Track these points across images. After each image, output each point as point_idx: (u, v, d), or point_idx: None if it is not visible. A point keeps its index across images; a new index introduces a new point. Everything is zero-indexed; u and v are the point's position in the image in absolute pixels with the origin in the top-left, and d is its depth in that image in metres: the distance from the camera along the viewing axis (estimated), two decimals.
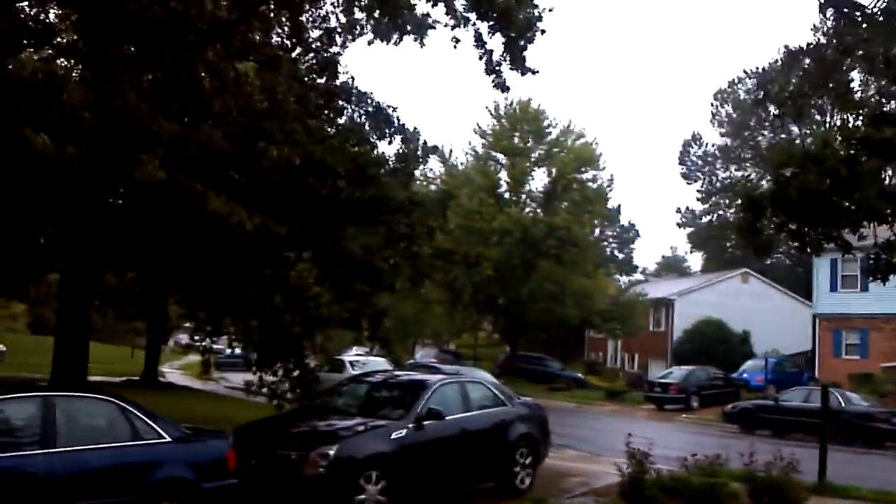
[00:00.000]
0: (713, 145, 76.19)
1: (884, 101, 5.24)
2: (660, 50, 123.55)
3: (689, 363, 42.73)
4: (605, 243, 68.05)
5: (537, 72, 13.67)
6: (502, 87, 13.92)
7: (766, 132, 69.44)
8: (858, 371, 39.00)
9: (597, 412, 36.71)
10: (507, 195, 50.28)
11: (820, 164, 5.19)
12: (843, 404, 27.22)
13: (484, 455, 12.95)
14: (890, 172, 5.48)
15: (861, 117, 5.28)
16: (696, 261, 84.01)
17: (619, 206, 63.94)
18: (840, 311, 42.37)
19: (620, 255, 76.74)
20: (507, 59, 13.48)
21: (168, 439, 9.13)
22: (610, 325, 49.85)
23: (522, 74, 13.57)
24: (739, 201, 5.05)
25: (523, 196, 50.72)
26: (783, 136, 64.09)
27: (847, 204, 5.16)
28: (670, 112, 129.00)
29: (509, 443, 13.38)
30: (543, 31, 13.38)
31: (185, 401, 25.59)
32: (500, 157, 50.56)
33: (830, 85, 5.19)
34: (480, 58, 13.57)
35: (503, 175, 50.68)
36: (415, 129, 19.95)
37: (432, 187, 47.09)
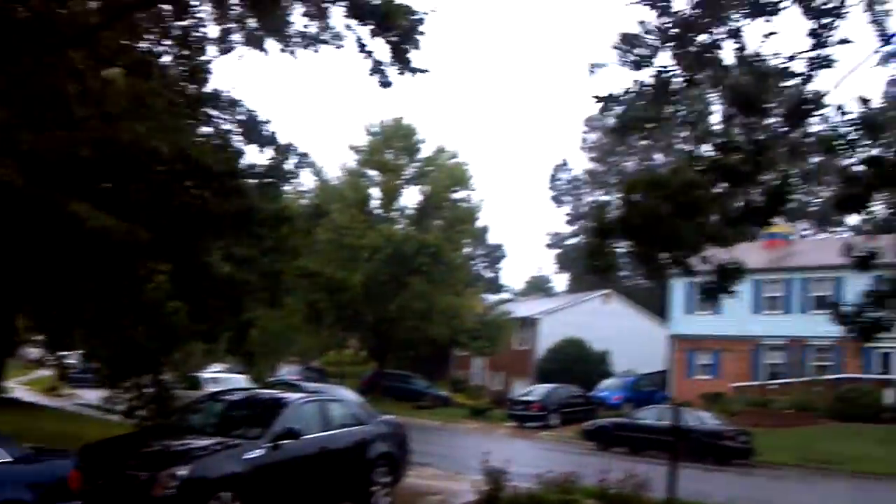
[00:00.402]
0: (583, 170, 78.53)
1: (731, 128, 5.52)
2: (535, 76, 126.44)
3: (551, 381, 43.48)
4: (474, 262, 68.91)
5: (426, 70, 13.61)
6: (386, 83, 13.82)
7: (632, 159, 71.96)
8: (710, 391, 40.74)
9: (460, 430, 36.97)
10: (378, 211, 50.28)
11: (664, 189, 5.39)
12: (693, 423, 28.26)
13: (342, 474, 12.86)
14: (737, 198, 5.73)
15: (711, 144, 5.54)
16: (562, 281, 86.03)
17: (488, 226, 64.95)
18: (694, 333, 44.19)
19: (489, 275, 77.89)
20: (393, 61, 13.46)
21: (7, 459, 8.68)
22: (477, 343, 50.39)
23: (413, 74, 13.53)
24: (589, 224, 5.23)
25: (395, 213, 50.82)
26: (647, 162, 66.54)
27: (688, 228, 5.37)
28: (544, 137, 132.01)
29: (368, 461, 13.33)
30: (423, 33, 13.39)
31: (31, 418, 24.30)
32: (373, 173, 50.54)
33: (677, 112, 5.44)
34: (367, 58, 13.52)
35: (375, 191, 50.67)
36: (289, 143, 19.65)
37: (303, 201, 46.62)
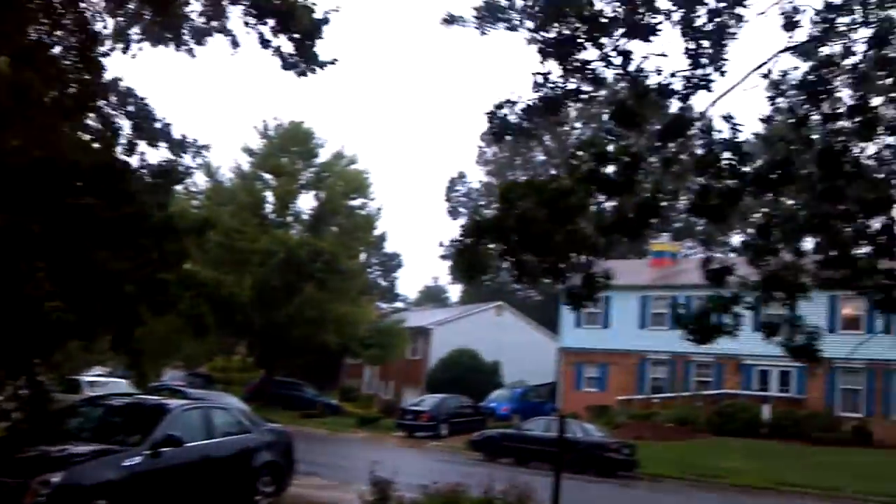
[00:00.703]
0: (480, 183, 79.19)
1: (609, 138, 5.66)
2: (439, 88, 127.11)
3: (442, 392, 43.57)
4: (370, 270, 68.72)
5: (335, 61, 13.37)
6: (303, 72, 13.53)
7: (528, 174, 72.97)
8: (597, 403, 41.62)
9: (349, 439, 36.70)
10: (272, 216, 49.54)
11: (540, 194, 5.44)
12: (580, 434, 28.77)
13: (225, 483, 12.58)
14: (616, 206, 5.84)
15: (589, 154, 5.65)
16: (457, 292, 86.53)
17: (385, 234, 64.81)
18: (582, 346, 45.10)
19: (384, 283, 77.74)
20: (298, 57, 13.21)
21: None
22: (369, 352, 50.16)
23: (322, 67, 13.30)
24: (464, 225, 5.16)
25: (289, 218, 50.18)
26: (543, 176, 67.50)
27: (561, 235, 5.44)
28: (444, 148, 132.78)
29: (252, 470, 13.10)
30: (327, 22, 13.16)
31: None
32: (268, 176, 49.75)
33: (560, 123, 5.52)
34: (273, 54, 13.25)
35: (269, 195, 49.91)
36: (184, 137, 19.01)
37: (195, 202, 45.60)
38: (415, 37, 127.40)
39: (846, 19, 6.45)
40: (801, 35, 6.47)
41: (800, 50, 6.35)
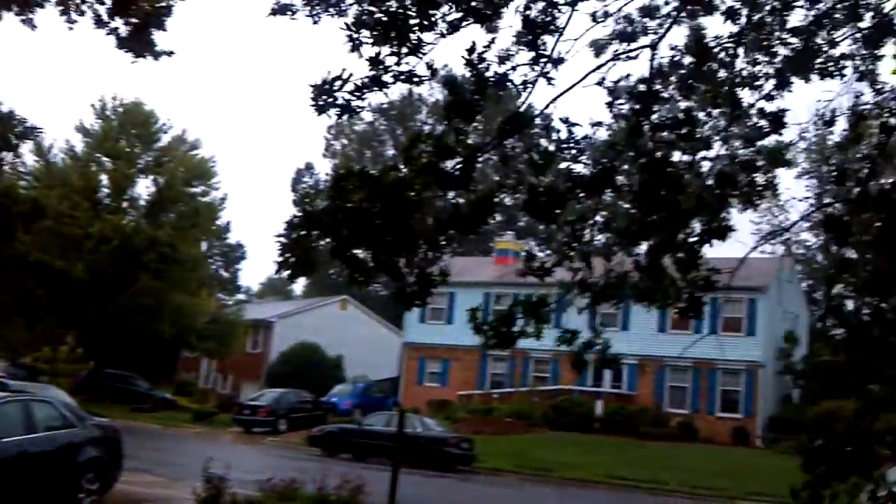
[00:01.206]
0: (327, 175, 78.38)
1: (448, 132, 5.52)
2: (291, 78, 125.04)
3: (283, 386, 42.87)
4: (211, 260, 66.73)
5: (172, 53, 12.77)
6: (139, 58, 12.83)
7: (377, 168, 72.72)
8: (438, 398, 41.97)
9: (183, 435, 35.53)
10: (107, 201, 47.26)
11: (375, 186, 5.22)
12: (420, 429, 28.86)
13: (46, 480, 11.82)
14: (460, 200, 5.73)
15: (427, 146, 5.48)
16: (300, 285, 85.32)
17: (229, 224, 62.85)
18: (425, 341, 45.38)
19: (225, 274, 75.72)
20: (134, 43, 12.53)
21: None
22: (206, 344, 48.71)
23: (157, 58, 12.65)
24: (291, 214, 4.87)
25: (125, 204, 48.02)
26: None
27: (395, 230, 5.24)
28: (293, 139, 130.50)
29: (76, 467, 12.40)
30: (170, 12, 12.55)
31: None
32: (104, 159, 47.39)
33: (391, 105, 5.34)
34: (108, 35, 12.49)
35: (105, 179, 47.58)
36: (11, 112, 17.83)
37: (22, 183, 42.96)
38: (264, 25, 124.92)
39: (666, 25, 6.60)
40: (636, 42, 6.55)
41: (631, 57, 6.44)
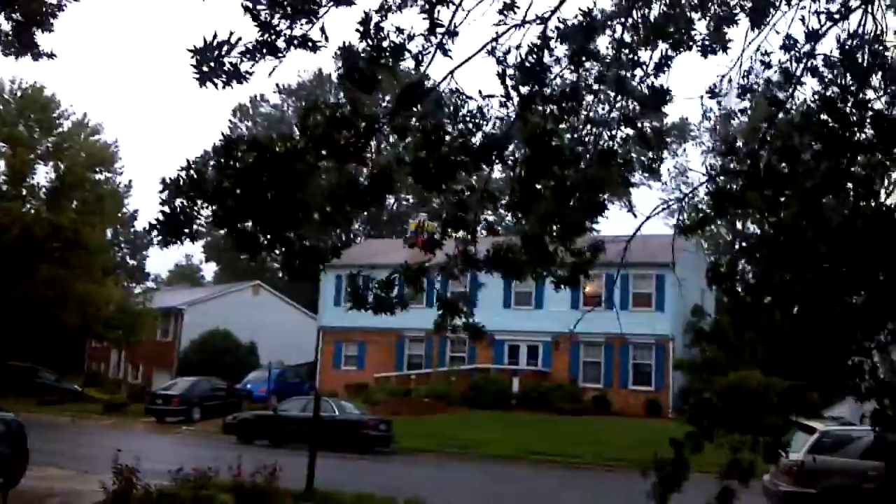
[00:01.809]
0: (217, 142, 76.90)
1: (346, 101, 5.39)
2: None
3: (196, 374, 42.20)
4: (117, 248, 65.08)
5: (54, 56, 12.32)
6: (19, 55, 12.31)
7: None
8: (355, 381, 41.84)
9: (93, 426, 34.68)
10: (5, 188, 45.49)
11: (267, 154, 4.99)
12: (336, 413, 28.76)
13: None
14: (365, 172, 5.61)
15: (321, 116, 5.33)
16: (211, 271, 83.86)
17: (136, 210, 61.24)
18: (341, 325, 45.03)
19: (132, 262, 73.94)
20: (17, 42, 12.03)
21: None
22: (114, 334, 47.47)
23: (35, 59, 12.18)
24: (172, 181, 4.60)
25: (24, 191, 46.28)
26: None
27: (287, 201, 5.05)
28: (200, 125, 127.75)
29: None
30: (59, 12, 12.08)
31: None
32: (2, 145, 45.57)
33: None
34: None
35: (1, 165, 45.80)
36: None
37: None
38: (170, 11, 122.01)
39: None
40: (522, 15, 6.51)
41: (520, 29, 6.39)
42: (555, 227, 6.54)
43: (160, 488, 12.27)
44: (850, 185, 6.70)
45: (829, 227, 6.49)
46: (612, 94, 6.82)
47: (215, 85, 4.88)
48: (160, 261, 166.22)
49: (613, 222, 15.01)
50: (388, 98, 5.95)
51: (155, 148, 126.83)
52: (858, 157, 6.68)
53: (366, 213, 69.91)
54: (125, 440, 21.32)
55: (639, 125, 6.84)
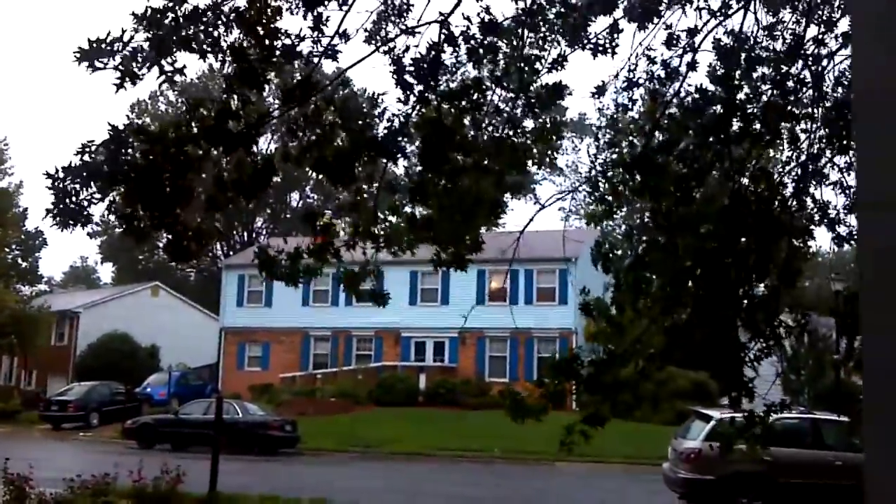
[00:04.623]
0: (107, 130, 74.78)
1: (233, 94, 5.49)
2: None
3: (94, 379, 40.94)
4: (7, 250, 62.52)
5: None
6: None
7: None
8: (260, 382, 41.18)
9: None
10: None
11: (156, 142, 5.03)
12: (240, 415, 28.32)
13: None
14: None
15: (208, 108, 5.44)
16: (108, 272, 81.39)
17: (26, 210, 58.88)
18: (245, 325, 44.37)
19: (24, 264, 71.10)
20: None
21: None
22: (5, 339, 45.59)
23: None
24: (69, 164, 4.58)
25: None
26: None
27: (176, 187, 5.13)
28: (94, 124, 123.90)
29: None
30: None
31: None
32: None
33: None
34: None
35: None
36: None
37: None
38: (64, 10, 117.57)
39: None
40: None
41: (413, 32, 6.56)
42: (456, 216, 6.65)
43: (56, 497, 11.83)
44: (720, 172, 7.11)
45: (703, 212, 6.82)
46: (513, 89, 6.97)
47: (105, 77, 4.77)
48: (54, 262, 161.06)
49: (523, 218, 15.19)
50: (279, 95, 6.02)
51: (48, 150, 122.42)
52: (731, 147, 7.02)
53: (268, 211, 69.09)
54: (19, 448, 20.45)
55: (540, 119, 7.04)
